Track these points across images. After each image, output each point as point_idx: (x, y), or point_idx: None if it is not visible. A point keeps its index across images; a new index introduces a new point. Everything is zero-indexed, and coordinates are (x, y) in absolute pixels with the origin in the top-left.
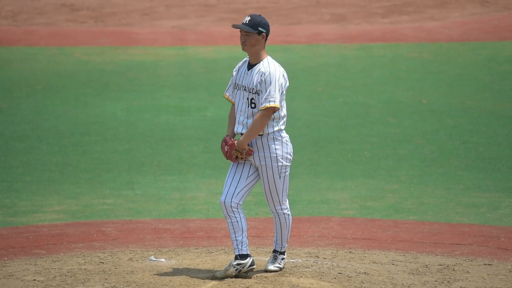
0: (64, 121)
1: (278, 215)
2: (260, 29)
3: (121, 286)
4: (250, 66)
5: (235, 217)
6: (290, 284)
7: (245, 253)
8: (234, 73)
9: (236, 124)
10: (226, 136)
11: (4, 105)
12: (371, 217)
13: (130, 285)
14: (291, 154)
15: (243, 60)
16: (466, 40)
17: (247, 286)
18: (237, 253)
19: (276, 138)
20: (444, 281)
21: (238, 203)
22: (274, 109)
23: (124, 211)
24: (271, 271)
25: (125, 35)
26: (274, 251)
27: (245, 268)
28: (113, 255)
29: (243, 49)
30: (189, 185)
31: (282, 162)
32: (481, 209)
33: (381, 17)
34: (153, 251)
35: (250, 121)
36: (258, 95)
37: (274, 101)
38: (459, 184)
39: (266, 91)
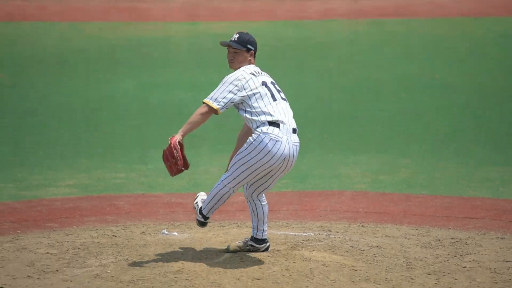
0: (76, 97)
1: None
2: (248, 46)
3: (134, 259)
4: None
5: (250, 206)
6: (303, 258)
7: (260, 238)
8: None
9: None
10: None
11: (16, 80)
12: (383, 191)
13: (143, 259)
14: (268, 162)
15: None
16: (479, 15)
17: (259, 259)
18: (253, 235)
19: (255, 139)
20: (457, 255)
21: (251, 194)
22: (207, 105)
23: (136, 185)
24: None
25: (136, 10)
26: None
27: (258, 251)
28: (125, 228)
29: (230, 66)
30: (201, 160)
31: (245, 153)
32: (494, 183)
33: None
34: (165, 225)
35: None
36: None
37: (209, 98)
38: (471, 158)
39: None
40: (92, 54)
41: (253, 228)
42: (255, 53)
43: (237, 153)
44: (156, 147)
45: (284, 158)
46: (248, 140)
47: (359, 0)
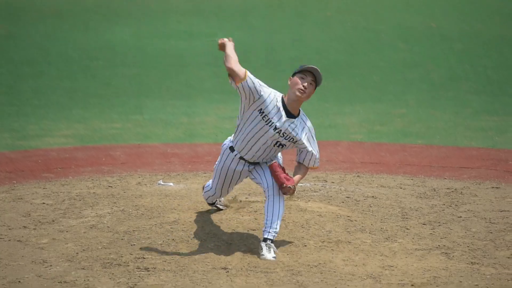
0: (73, 46)
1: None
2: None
3: (130, 210)
4: (289, 113)
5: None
6: (298, 208)
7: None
8: (266, 95)
9: (246, 151)
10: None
11: (14, 30)
12: (379, 141)
13: (139, 209)
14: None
15: (275, 95)
16: None
17: (254, 210)
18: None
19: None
20: (452, 205)
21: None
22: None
23: (132, 135)
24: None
25: None
26: (265, 239)
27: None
28: (121, 179)
29: (300, 97)
30: (197, 110)
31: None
32: (489, 133)
33: None
34: (161, 175)
35: (266, 156)
36: (293, 143)
37: (317, 158)
38: (467, 107)
39: (310, 147)
40: (90, 3)
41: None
42: None
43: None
44: (153, 97)
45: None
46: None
47: None
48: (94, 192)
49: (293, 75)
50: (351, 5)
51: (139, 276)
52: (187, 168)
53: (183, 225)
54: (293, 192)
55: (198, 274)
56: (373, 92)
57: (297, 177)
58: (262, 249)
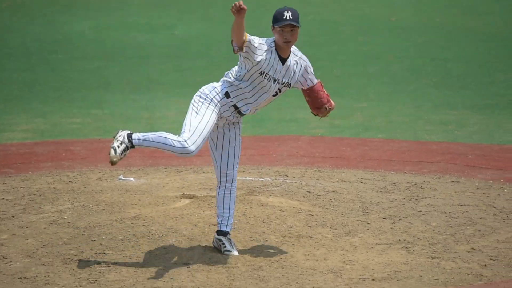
0: (32, 39)
1: (233, 182)
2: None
3: (90, 205)
4: (283, 59)
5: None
6: (260, 203)
7: None
8: (262, 54)
9: (246, 106)
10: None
11: None
12: (340, 135)
13: (99, 204)
14: None
15: (265, 43)
16: None
17: (215, 205)
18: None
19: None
20: (412, 199)
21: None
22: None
23: (92, 130)
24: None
25: None
26: (225, 233)
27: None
28: (82, 174)
29: (287, 46)
30: (158, 104)
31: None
32: (449, 127)
33: None
34: (122, 170)
35: (262, 106)
36: (288, 87)
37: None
38: (428, 101)
39: (311, 75)
40: None
41: None
42: None
43: (235, 133)
44: (113, 91)
45: None
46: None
47: None
48: (54, 188)
49: (273, 26)
50: None
51: (100, 272)
52: (148, 163)
53: (144, 220)
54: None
55: (159, 270)
56: (334, 86)
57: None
58: (224, 243)
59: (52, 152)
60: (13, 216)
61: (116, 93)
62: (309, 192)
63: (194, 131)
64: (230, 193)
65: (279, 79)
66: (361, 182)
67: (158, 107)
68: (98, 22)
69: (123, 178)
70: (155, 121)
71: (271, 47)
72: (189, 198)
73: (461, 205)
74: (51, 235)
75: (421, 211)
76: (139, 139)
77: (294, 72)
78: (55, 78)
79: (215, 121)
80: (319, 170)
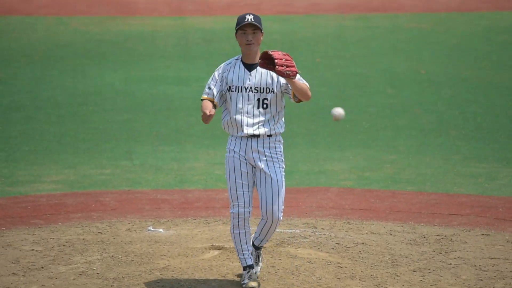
0: (62, 91)
1: (277, 223)
2: (261, 25)
3: (119, 256)
4: (249, 66)
5: (249, 227)
6: (288, 254)
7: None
8: (222, 75)
9: (244, 127)
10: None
11: (2, 75)
12: (369, 187)
13: (128, 255)
14: None
15: (227, 62)
16: (464, 10)
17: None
18: (250, 263)
19: (281, 140)
20: (442, 252)
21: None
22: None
23: (122, 181)
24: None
25: (123, 4)
26: (256, 246)
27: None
28: (111, 225)
29: (249, 48)
30: (187, 156)
31: (284, 164)
32: (479, 180)
33: None
34: (151, 221)
35: (264, 123)
36: (273, 93)
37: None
38: (457, 154)
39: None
40: (79, 48)
41: (248, 253)
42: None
43: (276, 173)
44: (142, 143)
45: None
46: (273, 150)
47: None
48: (83, 238)
49: (236, 31)
50: (340, 51)
51: None
52: (177, 214)
53: (172, 271)
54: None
55: None
56: (363, 138)
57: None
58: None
59: (81, 203)
60: (42, 267)
61: (145, 145)
62: (338, 244)
63: (231, 197)
64: (263, 223)
65: (250, 87)
66: (391, 234)
67: (187, 159)
68: (127, 75)
69: (152, 229)
70: (184, 173)
71: (235, 60)
72: (218, 249)
73: (491, 258)
74: (80, 286)
75: (450, 264)
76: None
77: (271, 77)
78: (84, 130)
79: (240, 167)
80: (348, 222)
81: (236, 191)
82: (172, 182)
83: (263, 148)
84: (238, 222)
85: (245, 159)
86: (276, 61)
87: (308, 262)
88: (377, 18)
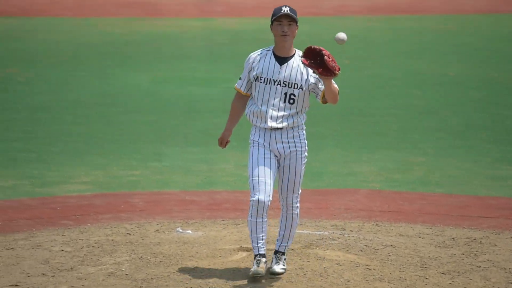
0: (89, 92)
1: (292, 209)
2: (297, 18)
3: (148, 257)
4: (281, 59)
5: (266, 217)
6: (317, 257)
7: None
8: (252, 65)
9: (269, 120)
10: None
11: (29, 75)
12: (398, 189)
13: (157, 257)
14: None
15: (258, 52)
16: (492, 12)
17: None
18: (262, 252)
19: (303, 127)
20: (471, 254)
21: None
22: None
23: (151, 182)
24: (277, 273)
25: (150, 6)
26: (277, 252)
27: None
28: (140, 226)
29: (284, 40)
30: (215, 157)
31: (306, 153)
32: (508, 182)
33: None
34: (180, 222)
35: (288, 117)
36: (301, 90)
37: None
38: (486, 156)
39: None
40: (105, 49)
41: (262, 243)
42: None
43: (296, 161)
44: (170, 144)
45: None
46: (297, 139)
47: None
48: (112, 239)
49: (271, 22)
50: (367, 53)
51: None
52: (206, 216)
53: (201, 273)
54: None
55: None
56: (391, 140)
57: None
58: (273, 261)
59: (110, 204)
60: (71, 268)
61: (174, 146)
62: (366, 246)
63: (253, 182)
64: (283, 215)
65: (279, 80)
66: (419, 237)
67: (216, 160)
68: (154, 76)
69: (181, 231)
70: (213, 174)
71: (266, 50)
72: (247, 251)
73: None
74: (109, 287)
75: (480, 266)
76: (286, 246)
77: (301, 73)
78: (112, 131)
79: (264, 155)
80: (376, 224)
81: (258, 177)
82: (200, 183)
83: (287, 138)
84: (257, 210)
85: (269, 150)
86: (325, 57)
87: (337, 264)
88: (404, 20)
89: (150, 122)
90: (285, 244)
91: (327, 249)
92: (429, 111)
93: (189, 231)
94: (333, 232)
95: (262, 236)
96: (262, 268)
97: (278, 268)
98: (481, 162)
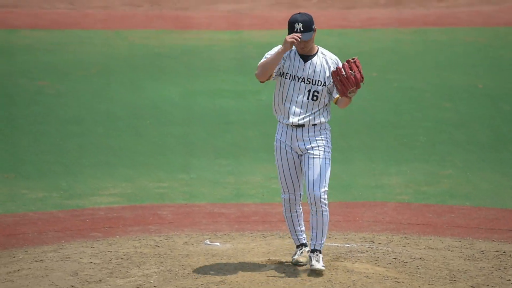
0: (120, 105)
1: (321, 205)
2: (313, 26)
3: (177, 270)
4: (304, 57)
5: (300, 209)
6: (345, 269)
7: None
8: (282, 63)
9: (291, 116)
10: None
11: (61, 88)
12: (427, 202)
13: (185, 269)
14: None
15: (287, 52)
16: None
17: (301, 270)
18: (303, 241)
19: (327, 128)
20: (501, 267)
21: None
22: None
23: (179, 194)
24: (320, 270)
25: (180, 19)
26: (314, 250)
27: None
28: (168, 238)
29: (303, 52)
30: (244, 169)
31: (330, 149)
32: None
33: (436, 1)
34: (208, 235)
35: (310, 114)
36: (324, 86)
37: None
38: None
39: None
40: (136, 62)
41: (302, 234)
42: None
43: (319, 155)
44: (199, 156)
45: None
46: (318, 137)
47: (401, 9)
48: (141, 252)
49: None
50: (396, 65)
51: None
52: (234, 228)
53: (229, 285)
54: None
55: None
56: (420, 152)
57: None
58: (311, 259)
59: (139, 216)
60: (100, 280)
61: (202, 158)
62: (395, 258)
63: (283, 184)
64: (312, 216)
65: (303, 77)
66: (448, 250)
67: (244, 173)
68: (184, 88)
69: (209, 243)
70: (241, 186)
71: (289, 53)
72: (275, 263)
73: None
74: None
75: (509, 280)
76: (321, 244)
77: (324, 70)
78: (142, 143)
79: (293, 158)
80: (405, 237)
81: (285, 179)
82: (228, 195)
83: (308, 136)
84: (290, 206)
85: (291, 149)
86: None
87: (365, 277)
88: (434, 32)
89: (180, 135)
90: (320, 242)
91: (356, 261)
92: (458, 123)
93: (218, 244)
94: (362, 245)
95: (300, 228)
96: (304, 257)
97: (319, 265)
98: (510, 175)
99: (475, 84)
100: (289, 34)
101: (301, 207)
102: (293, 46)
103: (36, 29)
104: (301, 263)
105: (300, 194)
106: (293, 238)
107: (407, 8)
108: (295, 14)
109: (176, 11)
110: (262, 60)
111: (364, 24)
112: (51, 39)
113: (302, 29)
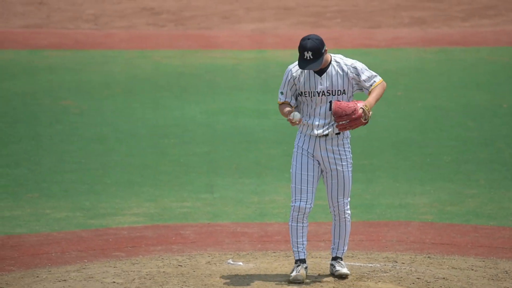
0: (143, 124)
1: (345, 214)
2: (323, 50)
3: None
4: (319, 71)
5: (307, 222)
6: None
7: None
8: (294, 81)
9: (315, 129)
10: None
11: (84, 107)
12: (451, 222)
13: None
14: None
15: (296, 66)
16: None
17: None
18: (302, 257)
19: (348, 136)
20: None
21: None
22: (383, 83)
23: (202, 214)
24: (346, 274)
25: (204, 38)
26: (336, 258)
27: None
28: (191, 258)
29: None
30: (267, 188)
31: (351, 158)
32: None
33: (461, 20)
34: (231, 254)
35: (332, 123)
36: (345, 94)
37: (376, 76)
38: None
39: (364, 74)
40: (160, 81)
41: (303, 247)
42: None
43: (343, 168)
44: (222, 175)
45: None
46: (341, 147)
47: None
48: (164, 271)
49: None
50: (421, 84)
51: None
52: (257, 248)
53: None
54: (367, 115)
55: None
56: (444, 172)
57: (370, 97)
58: (334, 266)
59: (162, 236)
60: None
61: (226, 177)
62: (418, 278)
63: (295, 191)
64: (334, 224)
65: (322, 91)
66: (472, 269)
67: (267, 192)
68: (208, 107)
69: (232, 263)
70: (264, 206)
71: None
72: (297, 283)
73: None
74: None
75: None
76: (343, 251)
77: (342, 79)
78: (165, 162)
79: (307, 164)
80: (429, 257)
81: (301, 186)
82: (252, 215)
83: (332, 146)
84: (298, 215)
85: (312, 156)
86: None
87: None
88: (458, 52)
89: (203, 154)
90: (342, 251)
91: (379, 281)
92: (483, 142)
93: (240, 263)
94: (385, 264)
95: (303, 241)
96: (302, 275)
97: (345, 269)
98: None
99: (499, 103)
100: (299, 58)
101: (307, 222)
102: None
103: (60, 49)
104: (298, 280)
105: (311, 207)
106: (293, 251)
107: (431, 28)
108: (304, 39)
109: (200, 31)
110: (279, 105)
111: (388, 43)
112: (75, 59)
113: (311, 57)
